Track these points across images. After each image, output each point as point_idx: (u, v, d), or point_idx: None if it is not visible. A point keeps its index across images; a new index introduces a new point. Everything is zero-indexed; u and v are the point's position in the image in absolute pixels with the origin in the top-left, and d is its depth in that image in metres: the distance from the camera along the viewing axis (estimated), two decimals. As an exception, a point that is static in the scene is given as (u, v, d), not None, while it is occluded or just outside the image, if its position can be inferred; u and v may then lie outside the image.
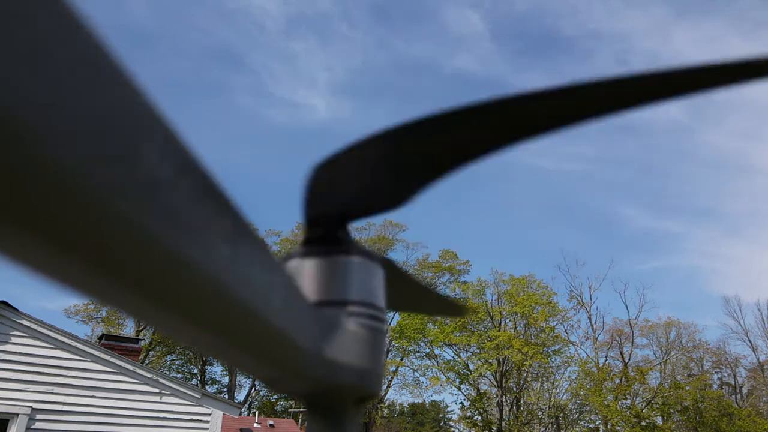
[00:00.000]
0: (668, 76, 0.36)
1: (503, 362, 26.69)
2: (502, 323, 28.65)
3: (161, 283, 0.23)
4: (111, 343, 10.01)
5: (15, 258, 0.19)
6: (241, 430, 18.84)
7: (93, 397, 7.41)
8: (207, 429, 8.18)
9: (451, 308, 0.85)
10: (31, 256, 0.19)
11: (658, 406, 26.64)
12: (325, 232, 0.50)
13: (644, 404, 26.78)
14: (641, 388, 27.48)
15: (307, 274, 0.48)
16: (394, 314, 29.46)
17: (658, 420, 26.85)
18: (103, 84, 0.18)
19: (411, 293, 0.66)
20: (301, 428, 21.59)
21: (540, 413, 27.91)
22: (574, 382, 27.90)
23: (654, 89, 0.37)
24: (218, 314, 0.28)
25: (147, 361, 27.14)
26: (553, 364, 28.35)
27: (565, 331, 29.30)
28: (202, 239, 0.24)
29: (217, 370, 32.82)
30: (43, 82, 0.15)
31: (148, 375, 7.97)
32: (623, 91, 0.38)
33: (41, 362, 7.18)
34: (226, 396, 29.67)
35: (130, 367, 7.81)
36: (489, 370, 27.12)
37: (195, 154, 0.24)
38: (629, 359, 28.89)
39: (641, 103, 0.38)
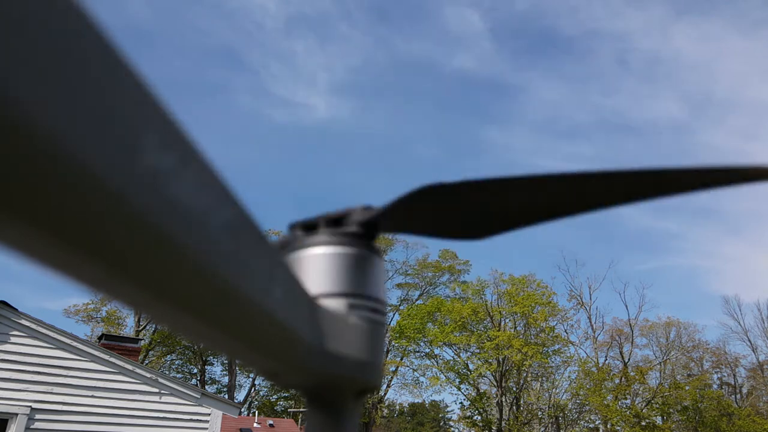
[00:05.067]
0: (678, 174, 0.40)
1: (503, 362, 26.68)
2: (502, 323, 28.65)
3: (161, 273, 0.23)
4: (110, 343, 9.99)
5: (15, 248, 0.19)
6: (240, 429, 18.84)
7: (92, 397, 7.41)
8: (206, 429, 8.18)
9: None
10: (30, 247, 0.19)
11: (657, 406, 26.64)
12: (357, 231, 0.50)
13: (644, 404, 26.79)
14: (641, 388, 27.49)
15: (308, 266, 0.48)
16: (394, 314, 29.51)
17: (658, 420, 26.86)
18: (103, 73, 0.18)
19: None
20: (300, 428, 21.58)
21: (540, 413, 27.91)
22: (574, 382, 27.91)
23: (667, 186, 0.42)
24: (219, 305, 0.28)
25: (147, 361, 27.11)
26: (553, 364, 28.39)
27: (565, 331, 29.34)
28: (202, 230, 0.24)
29: (216, 370, 32.88)
30: (43, 71, 0.15)
31: (148, 375, 7.96)
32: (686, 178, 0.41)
33: (41, 362, 7.17)
34: (226, 396, 29.65)
35: (130, 367, 7.80)
36: (489, 370, 27.11)
37: (196, 144, 0.24)
38: (629, 359, 28.92)
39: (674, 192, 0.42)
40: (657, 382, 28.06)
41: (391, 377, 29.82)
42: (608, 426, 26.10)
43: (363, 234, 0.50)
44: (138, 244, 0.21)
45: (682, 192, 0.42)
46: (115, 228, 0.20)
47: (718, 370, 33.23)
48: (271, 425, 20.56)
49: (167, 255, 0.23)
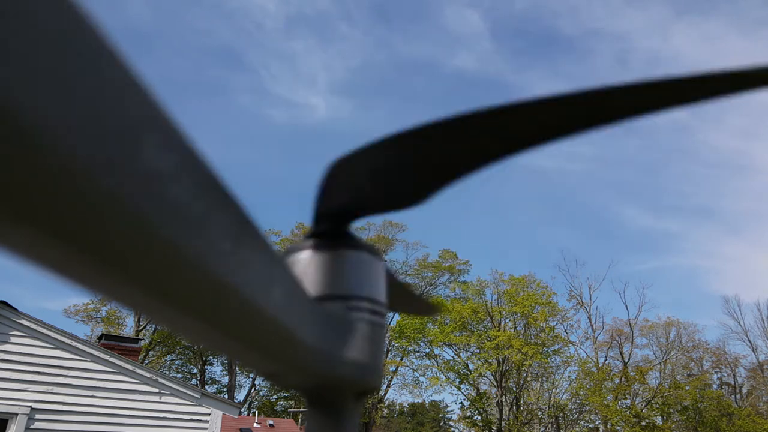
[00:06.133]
0: (677, 83, 0.36)
1: (503, 362, 26.69)
2: (502, 323, 28.65)
3: (161, 276, 0.23)
4: (110, 342, 9.99)
5: (15, 251, 0.19)
6: (240, 429, 18.84)
7: (92, 396, 7.41)
8: (206, 429, 8.18)
9: (425, 307, 0.84)
10: (30, 249, 0.19)
11: (657, 406, 26.64)
12: (330, 226, 0.50)
13: (644, 404, 26.79)
14: (641, 388, 27.49)
15: (308, 268, 0.48)
16: (394, 314, 29.46)
17: (658, 420, 26.86)
18: (103, 75, 0.18)
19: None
20: (300, 428, 21.57)
21: (540, 413, 27.91)
22: (574, 382, 27.91)
23: (663, 97, 0.37)
24: (219, 308, 0.28)
25: (147, 361, 27.12)
26: (553, 364, 28.39)
27: (565, 331, 29.34)
28: (202, 233, 0.24)
29: (216, 370, 32.91)
30: (42, 73, 0.15)
31: (148, 375, 7.96)
32: (633, 97, 0.38)
33: (41, 362, 7.17)
34: (226, 396, 29.66)
35: (130, 367, 7.80)
36: (489, 370, 27.12)
37: (196, 148, 0.24)
38: (629, 359, 28.92)
39: (651, 109, 0.38)
40: (657, 382, 28.06)
41: (391, 377, 29.82)
42: (608, 426, 26.10)
43: (331, 230, 0.50)
44: (138, 246, 0.21)
45: (678, 104, 0.38)
46: (115, 230, 0.20)
47: (718, 370, 33.25)
48: (271, 425, 20.56)
49: (167, 257, 0.22)
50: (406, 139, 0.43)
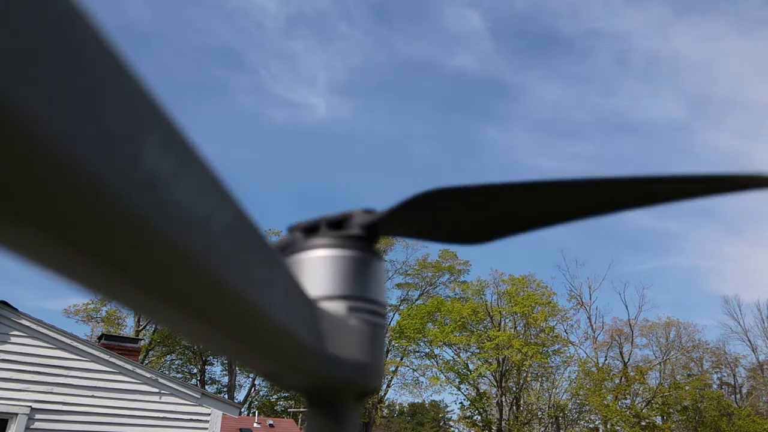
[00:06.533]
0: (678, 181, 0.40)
1: (503, 362, 26.68)
2: (502, 323, 28.64)
3: (161, 276, 0.23)
4: (110, 343, 9.99)
5: (16, 251, 0.19)
6: (240, 429, 18.84)
7: (93, 397, 7.41)
8: (206, 429, 8.18)
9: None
10: (31, 250, 0.19)
11: (657, 406, 26.65)
12: (359, 234, 0.50)
13: (644, 404, 26.79)
14: (641, 388, 27.50)
15: (308, 268, 0.48)
16: (394, 314, 29.51)
17: (658, 420, 26.86)
18: (104, 76, 0.18)
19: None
20: (300, 428, 21.58)
21: (540, 413, 27.91)
22: (574, 382, 27.91)
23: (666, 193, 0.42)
24: (219, 308, 0.28)
25: (147, 361, 27.11)
26: (553, 364, 28.39)
27: (565, 331, 29.34)
28: (202, 232, 0.24)
29: (216, 370, 32.87)
30: (42, 73, 0.15)
31: (148, 375, 7.97)
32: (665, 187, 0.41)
33: (41, 362, 7.18)
34: (226, 396, 29.66)
35: (130, 367, 7.80)
36: (489, 370, 27.11)
37: (196, 148, 0.24)
38: (629, 359, 28.92)
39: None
40: (657, 382, 28.07)
41: (391, 377, 29.82)
42: (608, 426, 26.10)
43: (364, 237, 0.50)
44: (138, 247, 0.21)
45: (683, 199, 0.42)
46: (115, 231, 0.20)
47: (718, 370, 33.26)
48: (271, 425, 20.56)
49: (167, 258, 0.23)
50: (502, 189, 0.44)
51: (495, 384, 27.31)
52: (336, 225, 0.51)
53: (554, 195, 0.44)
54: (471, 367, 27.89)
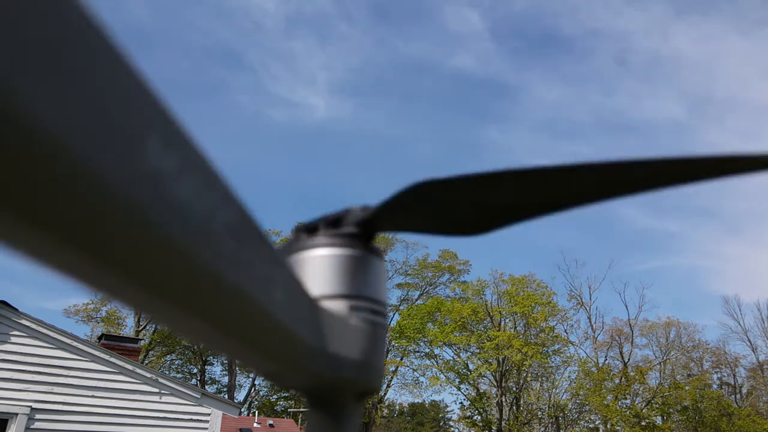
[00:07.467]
0: (687, 163, 0.39)
1: (503, 362, 26.68)
2: (502, 323, 28.64)
3: (162, 274, 0.23)
4: (111, 342, 10.00)
5: (18, 249, 0.19)
6: (240, 429, 18.83)
7: (93, 397, 7.41)
8: (206, 429, 8.18)
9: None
10: (33, 247, 0.19)
11: (657, 406, 26.65)
12: (360, 231, 0.50)
13: (644, 404, 26.79)
14: (641, 388, 27.50)
15: (309, 267, 0.48)
16: (394, 314, 29.49)
17: (658, 420, 26.87)
18: (106, 75, 0.18)
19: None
20: (300, 428, 21.58)
21: (540, 413, 27.91)
22: (574, 382, 27.92)
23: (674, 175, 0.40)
24: (220, 307, 0.28)
25: (147, 361, 27.09)
26: (553, 364, 28.40)
27: (565, 331, 29.34)
28: (204, 231, 0.24)
29: (216, 370, 32.87)
30: (45, 72, 0.15)
31: (148, 375, 7.97)
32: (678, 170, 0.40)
33: (41, 362, 7.18)
34: (226, 396, 29.65)
35: (130, 367, 7.81)
36: (489, 370, 27.12)
37: (199, 147, 0.24)
38: (629, 359, 28.92)
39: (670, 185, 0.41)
40: (657, 382, 28.07)
41: (391, 377, 29.81)
42: (608, 426, 26.10)
43: (360, 234, 0.50)
44: (140, 245, 0.21)
45: (686, 182, 0.40)
46: (117, 229, 0.20)
47: (718, 370, 33.25)
48: (271, 425, 20.56)
49: (169, 256, 0.23)
50: (496, 178, 0.44)
51: (495, 384, 27.31)
52: (333, 223, 0.50)
53: (548, 181, 0.43)
54: (471, 367, 27.91)
